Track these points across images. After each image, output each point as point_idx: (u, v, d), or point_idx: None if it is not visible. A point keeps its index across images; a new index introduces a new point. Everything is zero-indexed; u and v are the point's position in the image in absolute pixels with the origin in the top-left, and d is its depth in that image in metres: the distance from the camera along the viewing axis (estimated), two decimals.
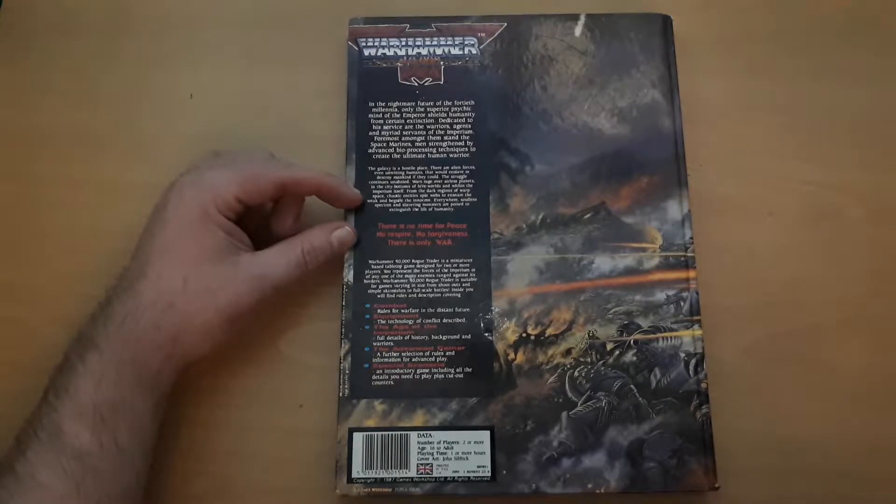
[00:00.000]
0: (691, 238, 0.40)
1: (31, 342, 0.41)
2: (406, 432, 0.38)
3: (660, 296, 0.39)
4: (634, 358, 0.39)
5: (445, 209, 0.41)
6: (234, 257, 0.36)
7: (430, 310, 0.39)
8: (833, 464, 0.39)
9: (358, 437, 0.38)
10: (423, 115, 0.42)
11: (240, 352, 0.40)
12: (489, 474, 0.37)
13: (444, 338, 0.39)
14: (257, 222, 0.40)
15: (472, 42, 0.44)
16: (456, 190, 0.41)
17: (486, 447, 0.37)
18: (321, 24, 0.45)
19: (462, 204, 0.41)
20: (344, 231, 0.39)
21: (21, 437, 0.33)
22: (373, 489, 0.37)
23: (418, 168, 0.41)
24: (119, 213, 0.42)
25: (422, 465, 0.37)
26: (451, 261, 0.40)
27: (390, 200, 0.41)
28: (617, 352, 0.39)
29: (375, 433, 0.38)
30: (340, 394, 0.38)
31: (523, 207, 0.41)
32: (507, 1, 0.46)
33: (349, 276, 0.40)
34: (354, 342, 0.39)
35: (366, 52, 0.43)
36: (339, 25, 0.44)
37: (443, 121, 0.42)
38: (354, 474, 0.37)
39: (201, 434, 0.39)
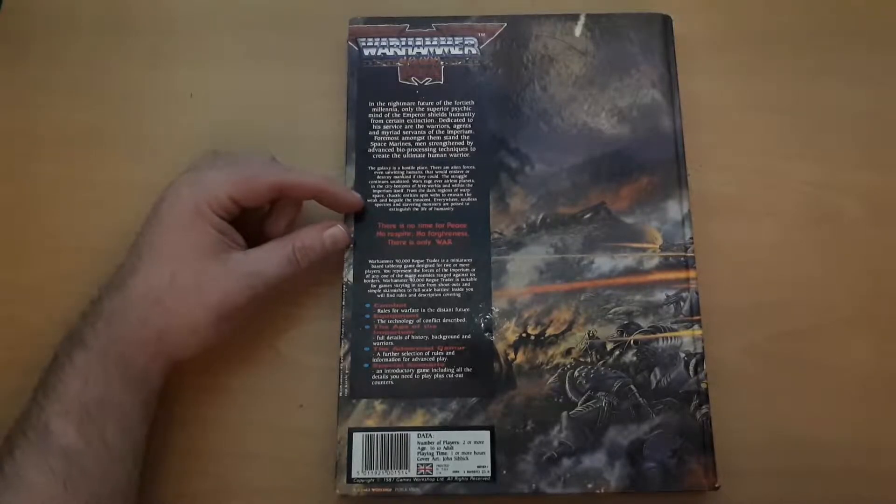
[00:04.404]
0: (691, 238, 0.40)
1: (31, 342, 0.40)
2: (406, 432, 0.38)
3: (660, 296, 0.39)
4: (634, 358, 0.39)
5: (445, 209, 0.41)
6: (225, 255, 0.36)
7: (430, 310, 0.39)
8: (834, 464, 0.39)
9: (358, 437, 0.37)
10: (423, 114, 0.42)
11: (239, 352, 0.40)
12: (489, 474, 0.37)
13: (444, 338, 0.39)
14: (254, 224, 0.40)
15: (472, 42, 0.44)
16: (456, 190, 0.41)
17: (486, 447, 0.37)
18: (321, 24, 0.45)
19: (462, 204, 0.41)
20: (337, 230, 0.39)
21: (10, 436, 0.33)
22: (373, 489, 0.37)
23: (418, 168, 0.41)
24: (119, 213, 0.42)
25: (422, 465, 0.37)
26: (451, 261, 0.40)
27: (390, 200, 0.41)
28: (617, 352, 0.39)
29: (375, 433, 0.38)
30: (340, 394, 0.38)
31: (523, 207, 0.41)
32: (507, 1, 0.46)
33: (349, 275, 0.40)
34: (354, 342, 0.39)
35: (366, 52, 0.43)
36: (339, 25, 0.44)
37: (443, 121, 0.42)
38: (354, 474, 0.37)
39: (201, 434, 0.39)
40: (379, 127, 0.42)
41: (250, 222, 0.39)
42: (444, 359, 0.39)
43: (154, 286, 0.35)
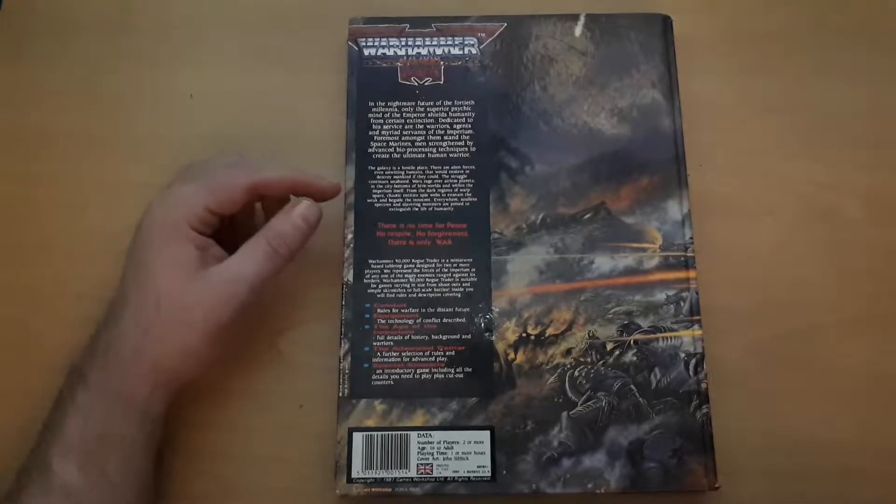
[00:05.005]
0: (691, 238, 0.40)
1: (31, 343, 0.41)
2: (406, 432, 0.38)
3: (660, 296, 0.39)
4: (634, 358, 0.39)
5: (445, 209, 0.41)
6: (204, 272, 0.35)
7: (430, 310, 0.39)
8: (833, 464, 0.39)
9: (358, 437, 0.37)
10: (423, 114, 0.42)
11: (240, 352, 0.40)
12: (489, 474, 0.37)
13: (444, 338, 0.39)
14: (246, 229, 0.39)
15: (472, 42, 0.44)
16: (456, 190, 0.41)
17: (486, 447, 0.37)
18: (321, 24, 0.45)
19: (462, 204, 0.41)
20: (303, 207, 0.37)
21: (19, 475, 0.33)
22: (373, 489, 0.37)
23: (418, 168, 0.41)
24: (119, 214, 0.42)
25: (422, 465, 0.37)
26: (451, 261, 0.40)
27: (390, 200, 0.41)
28: (617, 352, 0.39)
29: (375, 433, 0.38)
30: (340, 394, 0.38)
31: (523, 207, 0.41)
32: (507, 1, 0.46)
33: (349, 275, 0.40)
34: (354, 342, 0.39)
35: (366, 52, 0.43)
36: (339, 25, 0.44)
37: (443, 121, 0.42)
38: (354, 474, 0.37)
39: (201, 434, 0.39)
40: (379, 127, 0.42)
41: (239, 231, 0.39)
42: (444, 359, 0.39)
43: (142, 316, 0.34)
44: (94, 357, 0.34)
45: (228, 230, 0.38)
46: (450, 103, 0.43)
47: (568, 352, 0.39)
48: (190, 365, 0.35)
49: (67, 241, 0.42)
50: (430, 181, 0.41)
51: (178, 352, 0.35)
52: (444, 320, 0.39)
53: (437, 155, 0.42)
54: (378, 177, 0.41)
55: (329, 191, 0.39)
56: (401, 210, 0.41)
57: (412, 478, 0.37)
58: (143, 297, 0.34)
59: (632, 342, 0.39)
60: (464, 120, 0.42)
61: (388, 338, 0.39)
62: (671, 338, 0.39)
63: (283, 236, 0.36)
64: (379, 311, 0.39)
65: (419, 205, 0.41)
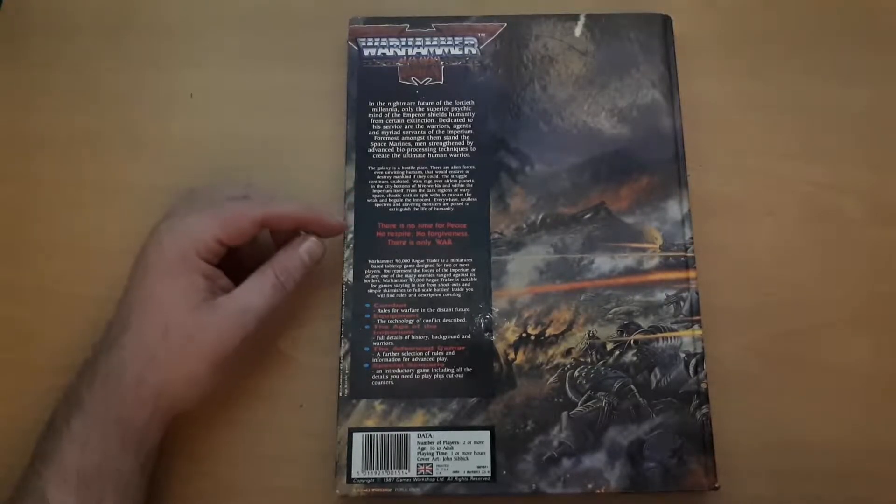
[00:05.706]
0: (691, 238, 0.40)
1: (31, 342, 0.41)
2: (406, 432, 0.38)
3: (660, 296, 0.39)
4: (634, 358, 0.39)
5: (445, 209, 0.41)
6: (212, 302, 0.35)
7: (430, 310, 0.39)
8: (833, 464, 0.39)
9: (358, 438, 0.37)
10: (423, 114, 0.42)
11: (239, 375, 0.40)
12: (489, 474, 0.37)
13: (444, 338, 0.39)
14: (250, 259, 0.39)
15: (472, 42, 0.44)
16: (456, 190, 0.41)
17: (486, 447, 0.37)
18: (321, 24, 0.45)
19: (462, 204, 0.41)
20: (310, 243, 0.38)
21: None
22: (373, 489, 0.37)
23: (418, 168, 0.41)
24: (119, 214, 0.42)
25: (422, 465, 0.37)
26: (451, 261, 0.40)
27: (390, 200, 0.41)
28: (617, 352, 0.39)
29: (375, 433, 0.38)
30: (340, 394, 0.38)
31: (523, 207, 0.41)
32: (507, 1, 0.46)
33: (349, 275, 0.40)
34: (354, 342, 0.39)
35: (366, 52, 0.43)
36: (339, 25, 0.44)
37: (443, 121, 0.42)
38: (354, 474, 0.37)
39: (201, 434, 0.39)
40: (379, 127, 0.42)
41: (243, 261, 0.39)
42: (444, 359, 0.39)
43: (147, 342, 0.34)
44: (91, 383, 0.34)
45: (232, 259, 0.38)
46: (450, 103, 0.43)
47: (568, 352, 0.39)
48: (191, 393, 0.35)
49: (67, 242, 0.42)
50: (430, 181, 0.41)
51: (183, 380, 0.35)
52: (444, 320, 0.39)
53: (437, 155, 0.42)
54: (378, 177, 0.41)
55: (334, 227, 0.39)
56: (401, 210, 0.41)
57: (412, 478, 0.37)
58: (149, 324, 0.34)
59: (632, 342, 0.39)
60: (464, 120, 0.42)
61: (388, 338, 0.39)
62: (671, 338, 0.39)
63: (288, 270, 0.37)
64: (379, 311, 0.39)
65: (419, 205, 0.41)
